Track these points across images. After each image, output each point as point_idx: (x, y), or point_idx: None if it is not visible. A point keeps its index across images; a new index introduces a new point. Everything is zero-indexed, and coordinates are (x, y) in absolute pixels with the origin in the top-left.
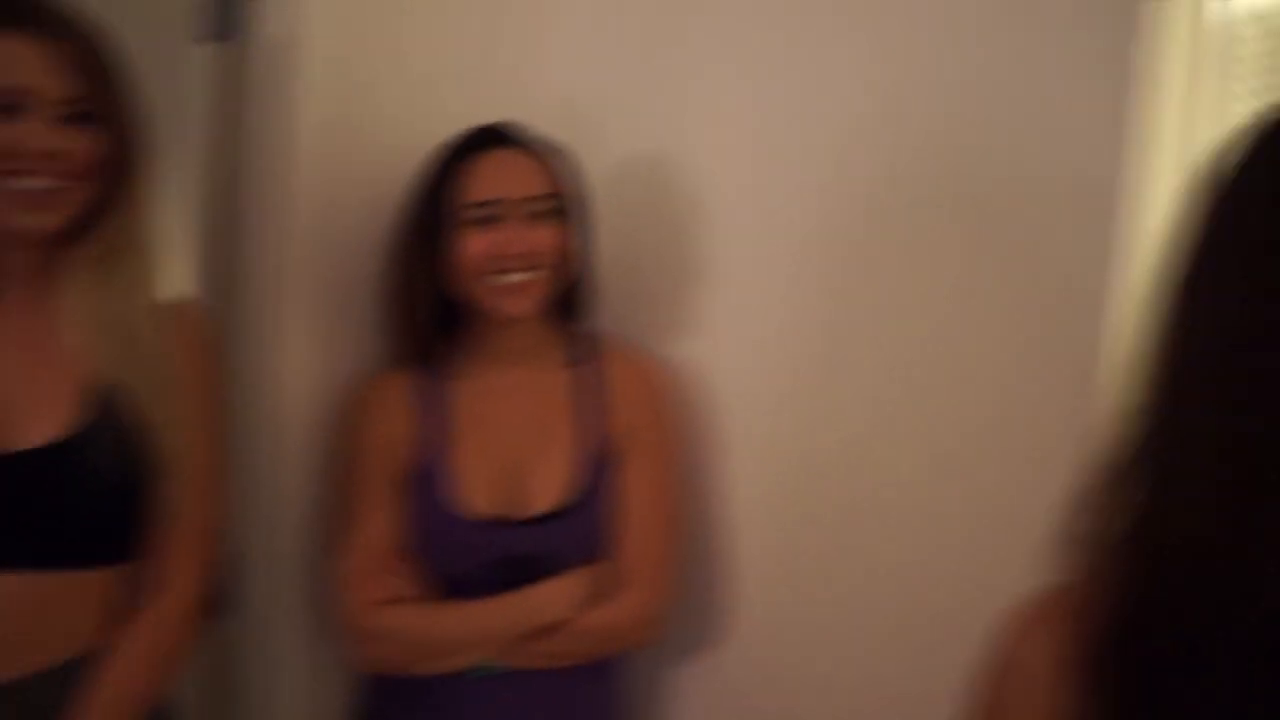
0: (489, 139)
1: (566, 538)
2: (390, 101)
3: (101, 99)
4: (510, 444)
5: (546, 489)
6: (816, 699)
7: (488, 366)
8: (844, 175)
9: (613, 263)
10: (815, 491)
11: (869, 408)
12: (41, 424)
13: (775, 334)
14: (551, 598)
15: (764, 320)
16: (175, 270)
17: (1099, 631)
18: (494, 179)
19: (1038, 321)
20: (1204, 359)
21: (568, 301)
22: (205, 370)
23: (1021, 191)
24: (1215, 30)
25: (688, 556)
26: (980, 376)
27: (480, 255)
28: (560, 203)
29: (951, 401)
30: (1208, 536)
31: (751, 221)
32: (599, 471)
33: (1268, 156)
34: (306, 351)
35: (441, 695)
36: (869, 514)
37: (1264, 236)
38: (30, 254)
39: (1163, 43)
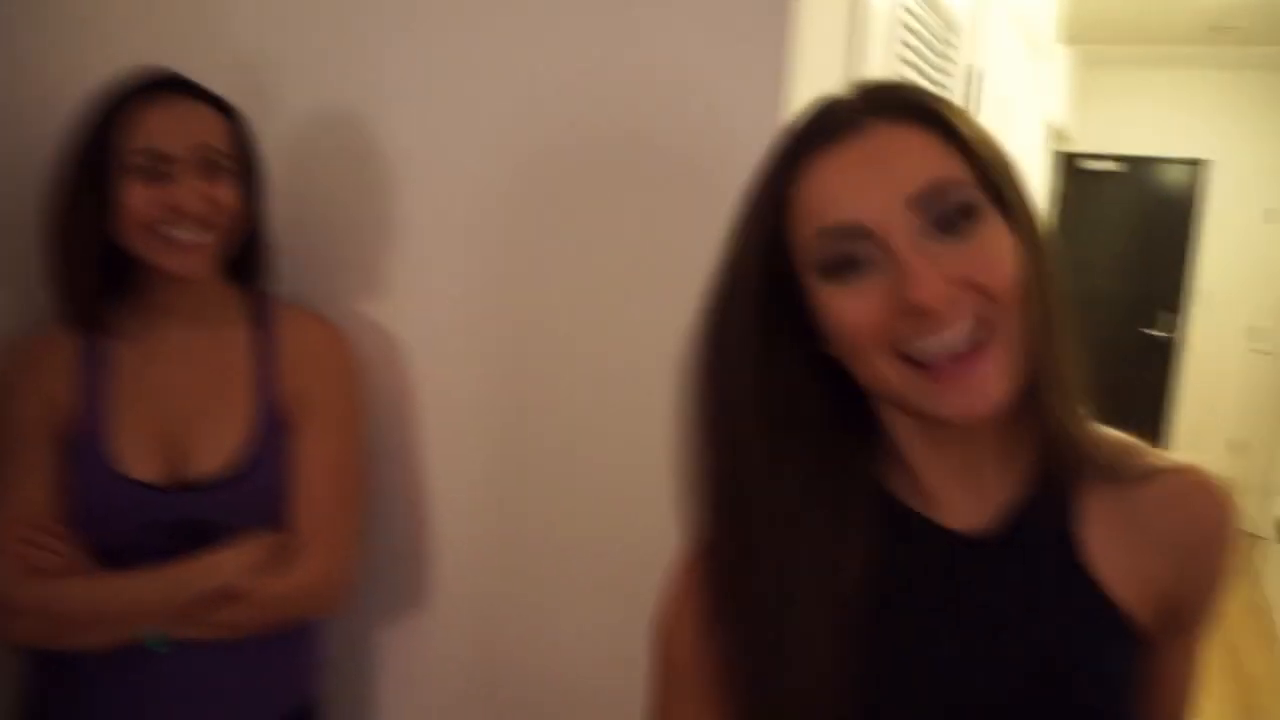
0: (163, 85)
1: (237, 503)
2: (45, 43)
3: None
4: (178, 406)
5: (215, 453)
6: (519, 661)
7: (157, 325)
8: (521, 139)
9: (294, 223)
10: (511, 450)
11: (556, 365)
12: None
13: (462, 294)
14: (218, 565)
15: (450, 281)
16: None
17: (713, 591)
18: (167, 128)
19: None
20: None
21: (244, 262)
22: None
23: (680, 163)
24: (874, 8)
25: (388, 520)
26: (651, 335)
27: (148, 208)
28: (235, 161)
29: (631, 361)
30: (752, 544)
31: (435, 183)
32: (273, 436)
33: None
34: None
35: (113, 672)
36: (567, 471)
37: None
38: None
39: (818, 21)
